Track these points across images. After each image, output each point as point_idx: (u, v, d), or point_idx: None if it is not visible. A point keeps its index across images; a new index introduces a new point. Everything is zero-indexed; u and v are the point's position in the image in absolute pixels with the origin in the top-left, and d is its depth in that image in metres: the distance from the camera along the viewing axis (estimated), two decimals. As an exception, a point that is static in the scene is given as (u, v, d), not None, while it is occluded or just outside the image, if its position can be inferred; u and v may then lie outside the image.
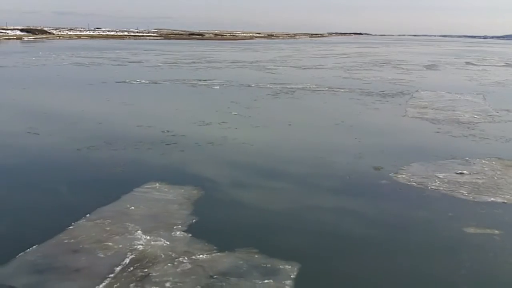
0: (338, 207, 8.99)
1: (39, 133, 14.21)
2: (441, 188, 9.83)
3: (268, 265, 6.54)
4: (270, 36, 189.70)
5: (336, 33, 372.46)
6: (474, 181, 10.23)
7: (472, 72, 39.93)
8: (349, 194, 9.61)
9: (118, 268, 6.42)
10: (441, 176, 10.48)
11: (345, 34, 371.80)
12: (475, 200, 9.22)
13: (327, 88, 25.69)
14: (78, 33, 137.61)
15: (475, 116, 18.13)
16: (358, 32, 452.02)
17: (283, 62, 46.99)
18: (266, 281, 6.15)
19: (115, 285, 6.00)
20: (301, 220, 8.32)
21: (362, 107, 19.87)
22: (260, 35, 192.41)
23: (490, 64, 52.28)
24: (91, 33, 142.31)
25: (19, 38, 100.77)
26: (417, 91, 25.29)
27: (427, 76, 34.75)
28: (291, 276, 6.29)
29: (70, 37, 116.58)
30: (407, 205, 9.05)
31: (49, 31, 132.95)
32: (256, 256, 6.79)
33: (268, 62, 46.10)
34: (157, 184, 9.62)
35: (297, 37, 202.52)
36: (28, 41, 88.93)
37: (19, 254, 6.74)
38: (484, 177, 10.48)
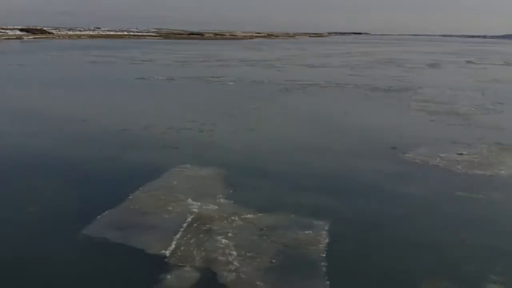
0: (357, 175, 10.89)
1: (87, 119, 16.06)
2: (440, 164, 11.55)
3: (304, 222, 8.10)
4: (269, 36, 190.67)
5: (336, 33, 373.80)
6: (470, 159, 11.88)
7: (472, 70, 41.34)
8: (363, 167, 11.41)
9: (184, 225, 7.93)
10: (442, 155, 12.16)
11: (344, 34, 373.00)
12: (467, 173, 10.96)
13: (335, 85, 27.20)
14: (77, 32, 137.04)
15: (473, 109, 19.69)
16: (358, 32, 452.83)
17: (289, 60, 48.39)
18: (306, 232, 7.72)
19: (188, 235, 7.53)
20: (326, 185, 10.06)
21: (369, 101, 21.38)
22: (260, 35, 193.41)
23: (490, 62, 53.65)
24: (91, 32, 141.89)
25: (19, 37, 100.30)
26: (420, 87, 26.76)
27: (430, 74, 36.23)
28: (325, 229, 7.85)
29: (70, 36, 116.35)
30: (409, 175, 10.87)
31: (48, 31, 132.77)
32: (292, 215, 8.34)
33: (275, 60, 47.49)
34: (188, 165, 11.12)
35: (297, 37, 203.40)
36: (28, 41, 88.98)
37: (97, 217, 8.20)
38: (480, 157, 12.11)
